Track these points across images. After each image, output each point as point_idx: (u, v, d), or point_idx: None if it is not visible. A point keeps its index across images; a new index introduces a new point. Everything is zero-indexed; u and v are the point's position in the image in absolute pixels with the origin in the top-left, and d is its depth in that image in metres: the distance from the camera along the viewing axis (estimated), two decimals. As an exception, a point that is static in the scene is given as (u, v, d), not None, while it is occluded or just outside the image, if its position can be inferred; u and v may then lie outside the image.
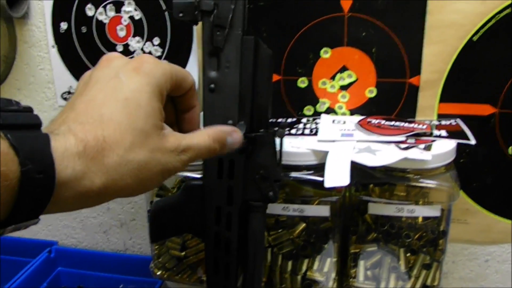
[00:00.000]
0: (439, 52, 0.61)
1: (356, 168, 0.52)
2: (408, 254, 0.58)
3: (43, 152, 0.28)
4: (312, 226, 0.58)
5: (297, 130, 0.61)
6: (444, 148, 0.54)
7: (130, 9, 0.70)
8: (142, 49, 0.71)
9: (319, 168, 0.54)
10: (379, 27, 0.62)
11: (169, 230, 0.52)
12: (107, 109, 0.33)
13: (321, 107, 0.67)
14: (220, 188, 0.47)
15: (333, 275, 0.60)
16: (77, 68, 0.75)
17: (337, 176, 0.50)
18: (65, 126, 0.31)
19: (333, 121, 0.63)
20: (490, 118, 0.63)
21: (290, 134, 0.60)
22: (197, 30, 0.68)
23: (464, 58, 0.61)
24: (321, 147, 0.55)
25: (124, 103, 0.33)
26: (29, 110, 0.30)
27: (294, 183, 0.56)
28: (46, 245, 0.86)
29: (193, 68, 0.70)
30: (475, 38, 0.60)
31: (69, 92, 0.77)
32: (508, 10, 0.59)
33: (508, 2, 0.58)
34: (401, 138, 0.55)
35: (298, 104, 0.68)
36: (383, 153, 0.52)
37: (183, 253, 0.62)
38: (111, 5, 0.70)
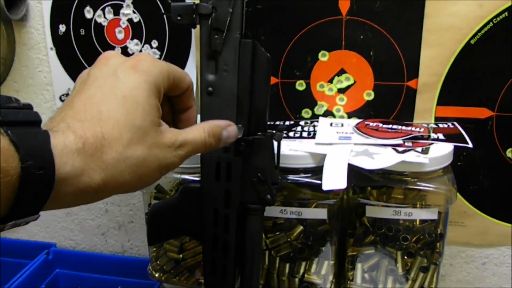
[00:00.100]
0: (436, 55, 0.62)
1: (354, 171, 0.52)
2: (406, 257, 0.58)
3: (43, 148, 0.29)
4: (309, 229, 0.58)
5: (295, 133, 0.61)
6: (441, 151, 0.54)
7: (128, 12, 0.70)
8: (140, 52, 0.71)
9: (317, 171, 0.54)
10: (377, 30, 0.62)
11: (167, 233, 0.52)
12: (106, 107, 0.33)
13: (319, 110, 0.68)
14: (217, 191, 0.47)
15: (331, 277, 0.60)
16: (75, 70, 0.75)
17: (334, 179, 0.50)
18: (64, 124, 0.32)
19: (331, 124, 0.63)
20: (487, 121, 0.63)
21: (288, 137, 0.60)
22: (195, 33, 0.68)
23: (461, 61, 0.61)
24: (319, 150, 0.55)
25: (122, 101, 0.34)
26: (29, 107, 0.31)
27: (292, 186, 0.56)
28: (44, 247, 0.86)
29: (191, 71, 0.70)
30: (472, 42, 0.60)
31: (67, 94, 0.76)
32: (505, 14, 0.59)
33: (506, 6, 0.59)
34: (399, 141, 0.56)
35: (296, 107, 0.68)
36: (380, 156, 0.52)
37: (181, 256, 0.62)
38: (109, 7, 0.70)
